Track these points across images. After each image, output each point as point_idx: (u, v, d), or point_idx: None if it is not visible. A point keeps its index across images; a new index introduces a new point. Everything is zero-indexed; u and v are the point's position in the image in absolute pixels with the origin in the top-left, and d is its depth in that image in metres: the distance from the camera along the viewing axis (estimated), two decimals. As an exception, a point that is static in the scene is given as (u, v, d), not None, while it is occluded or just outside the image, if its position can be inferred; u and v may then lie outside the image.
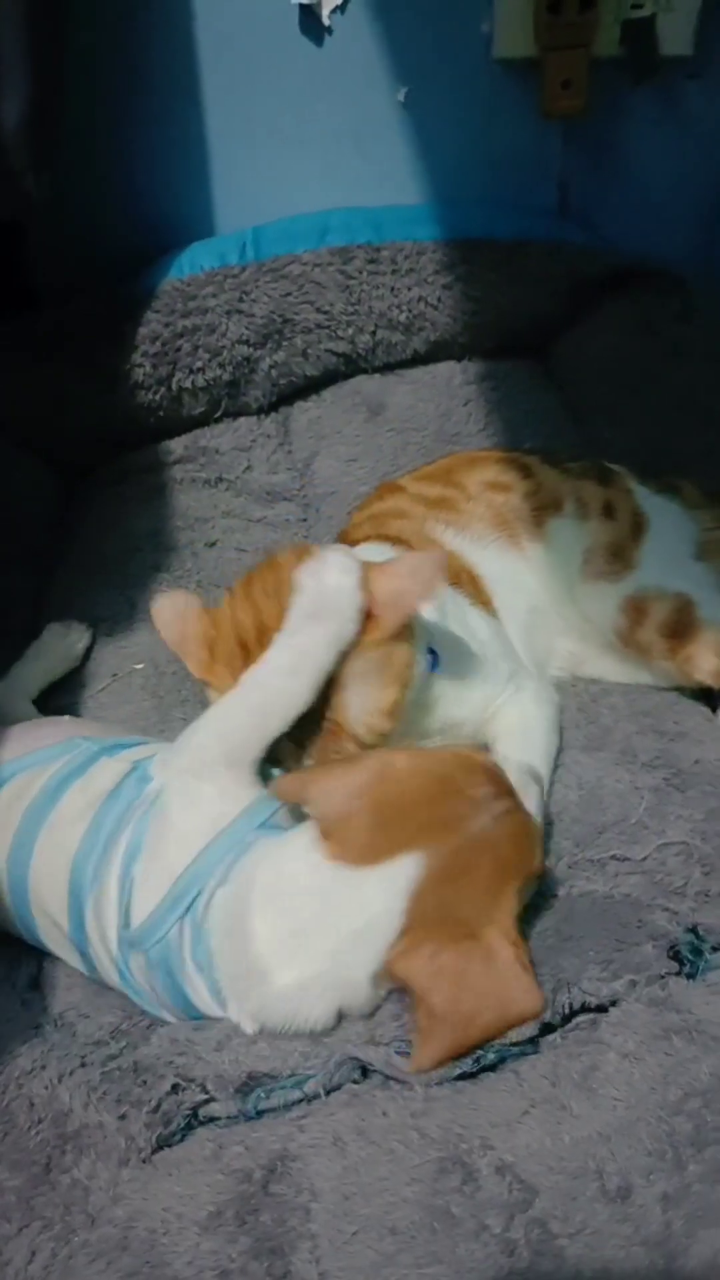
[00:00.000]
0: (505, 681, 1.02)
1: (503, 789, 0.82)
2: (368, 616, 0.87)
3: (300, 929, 0.77)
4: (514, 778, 0.86)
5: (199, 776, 0.84)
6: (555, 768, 1.02)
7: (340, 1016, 0.78)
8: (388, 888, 0.76)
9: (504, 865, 0.79)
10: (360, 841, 0.77)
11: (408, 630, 0.90)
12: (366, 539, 1.08)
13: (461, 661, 0.99)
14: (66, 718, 1.11)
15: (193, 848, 0.81)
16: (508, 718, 1.02)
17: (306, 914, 0.77)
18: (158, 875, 0.82)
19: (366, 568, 0.89)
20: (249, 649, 0.90)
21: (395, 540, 1.07)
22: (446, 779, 0.80)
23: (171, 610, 0.93)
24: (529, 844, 0.82)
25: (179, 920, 0.80)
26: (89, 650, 1.26)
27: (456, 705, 0.99)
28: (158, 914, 0.80)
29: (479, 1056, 0.75)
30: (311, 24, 1.37)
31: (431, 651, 0.95)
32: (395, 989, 0.78)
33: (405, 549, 1.05)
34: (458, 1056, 0.75)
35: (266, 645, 0.87)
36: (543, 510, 1.12)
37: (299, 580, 0.87)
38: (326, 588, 0.86)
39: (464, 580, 1.06)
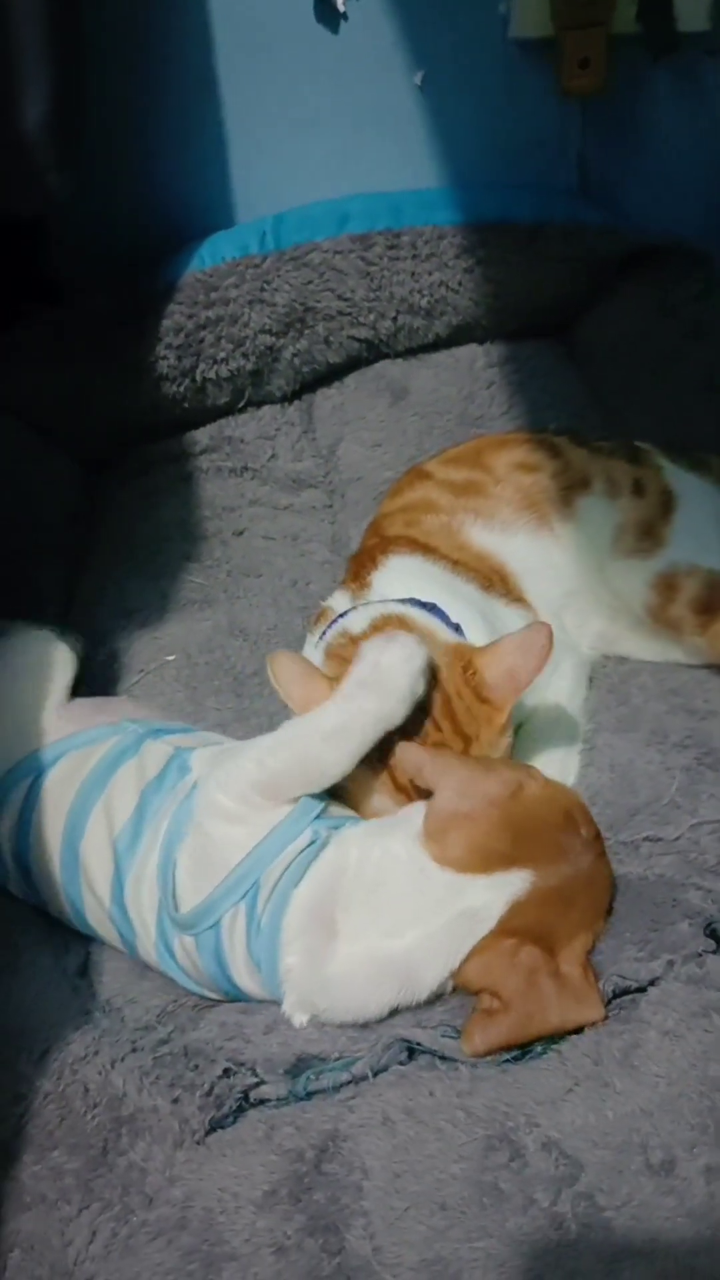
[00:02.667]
0: (543, 690, 1.03)
1: (600, 835, 0.85)
2: (482, 701, 0.88)
3: (393, 929, 0.79)
4: None
5: (228, 794, 0.84)
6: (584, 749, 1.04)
7: (394, 1011, 0.80)
8: (492, 896, 0.78)
9: (595, 906, 0.83)
10: (474, 847, 0.79)
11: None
12: (399, 538, 1.08)
13: None
14: (124, 697, 1.11)
15: (243, 846, 0.82)
16: (530, 730, 1.04)
17: (402, 913, 0.79)
18: (204, 866, 0.83)
19: (469, 652, 0.90)
20: None
21: (426, 548, 1.07)
22: (569, 812, 0.83)
23: (293, 671, 0.91)
24: (612, 891, 0.86)
25: (233, 906, 0.81)
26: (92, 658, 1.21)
27: None
28: (212, 900, 0.82)
29: (529, 1049, 0.77)
30: (327, 10, 1.36)
31: None
32: (458, 991, 0.80)
33: (437, 559, 1.05)
34: (513, 1047, 0.77)
35: None
36: (571, 489, 1.13)
37: (362, 649, 0.88)
38: (386, 662, 0.85)
39: (495, 582, 1.06)
